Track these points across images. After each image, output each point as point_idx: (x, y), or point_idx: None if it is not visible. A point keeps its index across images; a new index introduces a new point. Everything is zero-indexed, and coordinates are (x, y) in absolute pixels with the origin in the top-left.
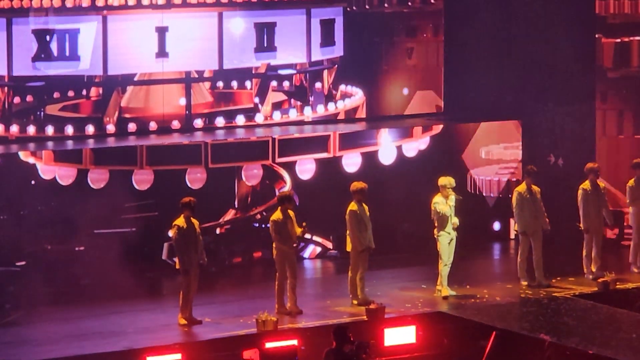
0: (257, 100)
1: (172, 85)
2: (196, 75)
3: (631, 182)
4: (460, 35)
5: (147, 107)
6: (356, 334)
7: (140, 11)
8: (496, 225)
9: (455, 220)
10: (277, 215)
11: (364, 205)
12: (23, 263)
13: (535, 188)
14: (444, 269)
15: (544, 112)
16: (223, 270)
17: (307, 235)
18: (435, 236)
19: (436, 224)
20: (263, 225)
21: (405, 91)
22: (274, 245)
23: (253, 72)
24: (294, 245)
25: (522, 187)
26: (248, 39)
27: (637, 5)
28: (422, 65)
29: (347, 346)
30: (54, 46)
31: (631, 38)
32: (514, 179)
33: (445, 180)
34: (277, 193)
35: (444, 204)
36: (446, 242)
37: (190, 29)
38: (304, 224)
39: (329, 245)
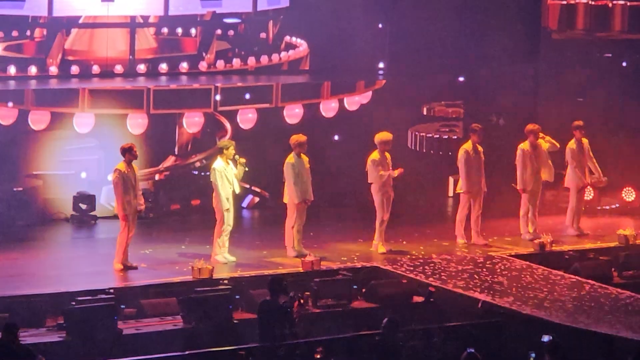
0: (201, 48)
1: (117, 30)
2: (141, 21)
3: (571, 143)
4: None
5: (91, 51)
6: (291, 286)
7: None
8: None
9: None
10: (219, 163)
11: (302, 157)
12: None
13: (479, 147)
14: (382, 224)
15: (488, 71)
16: (161, 217)
17: (246, 185)
18: (372, 190)
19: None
20: (202, 173)
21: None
22: (214, 193)
23: (198, 19)
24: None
25: (468, 145)
26: None
27: None
28: None
29: (282, 297)
30: None
31: (577, 0)
32: (455, 137)
33: (384, 136)
34: (217, 141)
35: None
36: (383, 197)
37: None
38: (241, 160)
39: (267, 195)
